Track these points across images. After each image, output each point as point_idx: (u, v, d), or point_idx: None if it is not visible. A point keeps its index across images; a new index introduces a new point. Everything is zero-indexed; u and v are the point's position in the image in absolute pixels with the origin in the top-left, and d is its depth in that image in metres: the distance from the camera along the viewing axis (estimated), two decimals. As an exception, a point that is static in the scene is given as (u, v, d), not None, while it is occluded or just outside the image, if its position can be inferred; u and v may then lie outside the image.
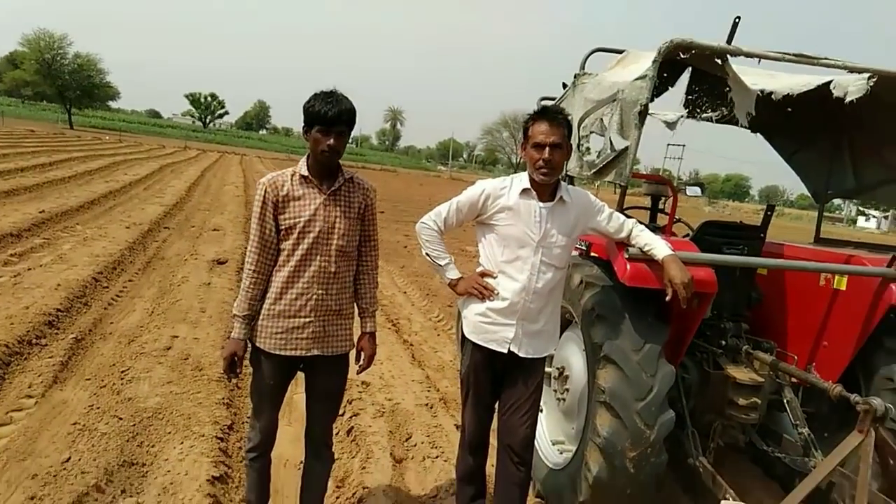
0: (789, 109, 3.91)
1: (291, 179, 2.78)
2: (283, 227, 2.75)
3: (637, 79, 3.26)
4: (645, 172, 4.93)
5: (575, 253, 3.52)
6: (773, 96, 3.29)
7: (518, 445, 3.02)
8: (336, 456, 3.48)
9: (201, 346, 5.47)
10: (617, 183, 3.39)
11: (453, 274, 3.09)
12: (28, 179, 15.01)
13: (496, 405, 3.15)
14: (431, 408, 4.86)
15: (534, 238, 2.87)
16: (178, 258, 9.19)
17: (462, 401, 3.22)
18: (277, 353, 2.80)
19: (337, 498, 3.63)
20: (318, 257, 2.76)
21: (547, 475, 3.59)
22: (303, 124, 2.71)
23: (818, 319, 3.57)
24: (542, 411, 3.58)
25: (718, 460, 3.57)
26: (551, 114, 2.87)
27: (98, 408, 4.16)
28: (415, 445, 4.22)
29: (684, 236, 3.85)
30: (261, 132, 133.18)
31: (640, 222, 3.20)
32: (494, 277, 2.96)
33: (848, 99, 3.14)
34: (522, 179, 2.93)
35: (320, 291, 2.79)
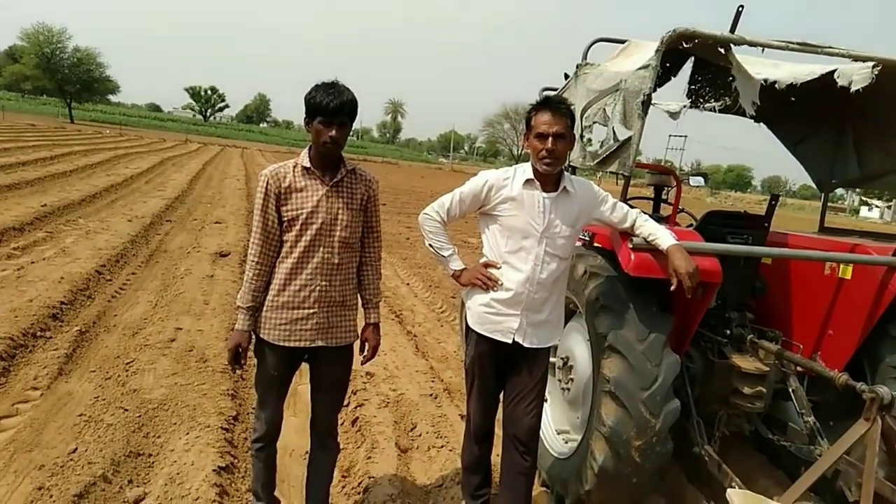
0: (793, 99, 3.89)
1: (293, 171, 2.77)
2: (285, 218, 2.75)
3: (640, 68, 3.25)
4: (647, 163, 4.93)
5: (578, 243, 3.52)
6: (776, 86, 3.27)
7: (523, 435, 3.03)
8: (341, 446, 3.49)
9: (205, 337, 5.48)
10: (620, 173, 3.38)
11: (457, 265, 3.09)
12: (30, 173, 15.02)
13: (501, 395, 3.16)
14: (436, 398, 4.88)
15: (537, 228, 2.87)
16: (181, 251, 9.21)
17: (467, 391, 3.22)
18: (282, 344, 2.81)
19: (343, 487, 3.64)
20: (322, 249, 2.76)
21: (552, 464, 3.60)
22: (304, 116, 2.71)
23: (823, 308, 3.57)
24: (546, 401, 3.58)
25: (724, 449, 3.57)
26: (554, 103, 2.86)
27: (104, 399, 4.17)
28: (420, 435, 4.24)
29: (688, 226, 3.85)
30: (261, 125, 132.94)
31: (644, 212, 3.19)
32: (498, 268, 2.96)
33: (853, 88, 3.13)
34: (526, 170, 2.92)
35: (324, 283, 2.79)
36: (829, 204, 4.97)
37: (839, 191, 4.81)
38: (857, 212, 78.53)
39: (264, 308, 2.81)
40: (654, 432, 3.01)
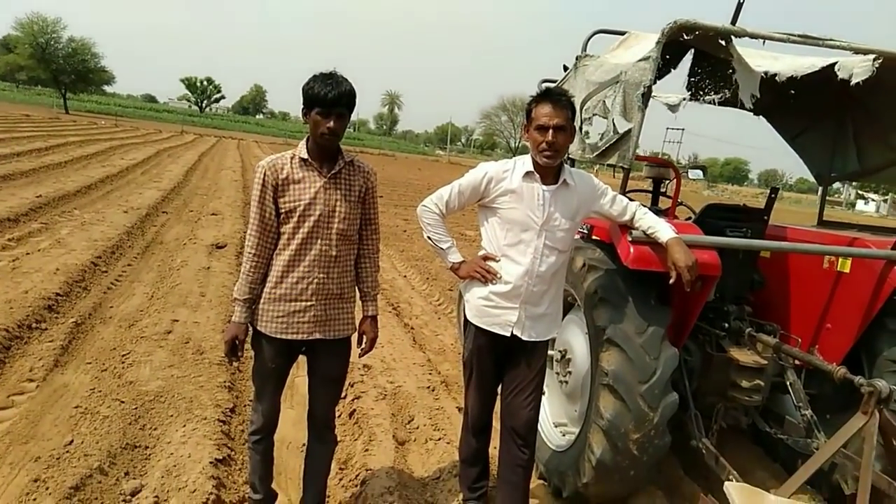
0: (793, 92, 3.88)
1: (291, 162, 2.75)
2: (283, 210, 2.73)
3: (640, 60, 3.24)
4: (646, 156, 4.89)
5: (577, 236, 3.51)
6: (777, 78, 3.26)
7: (521, 428, 3.03)
8: (339, 438, 3.48)
9: (202, 329, 5.46)
10: (619, 166, 3.36)
11: (455, 257, 3.07)
12: (24, 164, 14.94)
13: (499, 388, 3.15)
14: (433, 390, 4.87)
15: (537, 221, 2.86)
16: (177, 242, 9.17)
17: (465, 384, 3.22)
18: (279, 336, 2.79)
19: (340, 480, 3.64)
20: (319, 241, 2.75)
21: (550, 457, 3.60)
22: (302, 106, 2.68)
23: (821, 302, 3.57)
24: (544, 394, 3.58)
25: (721, 442, 3.57)
26: (555, 95, 2.84)
27: (100, 391, 4.16)
28: (417, 428, 4.23)
29: (687, 219, 3.84)
30: (258, 116, 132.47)
31: (643, 205, 3.18)
32: (497, 261, 2.94)
33: (853, 81, 3.12)
34: (525, 162, 2.91)
35: (321, 275, 2.77)
36: (826, 197, 4.96)
37: (836, 184, 4.80)
38: (853, 205, 78.71)
39: (261, 300, 2.80)
40: (652, 425, 3.02)
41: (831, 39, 3.17)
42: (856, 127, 4.19)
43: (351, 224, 2.82)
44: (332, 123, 2.63)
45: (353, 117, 2.94)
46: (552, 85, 4.13)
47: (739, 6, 3.29)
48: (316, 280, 2.77)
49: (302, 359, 3.01)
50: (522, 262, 2.88)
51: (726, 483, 2.62)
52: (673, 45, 3.61)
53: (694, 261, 2.84)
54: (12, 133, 24.35)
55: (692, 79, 4.39)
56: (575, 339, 3.57)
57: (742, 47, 3.19)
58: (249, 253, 2.76)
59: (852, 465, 3.05)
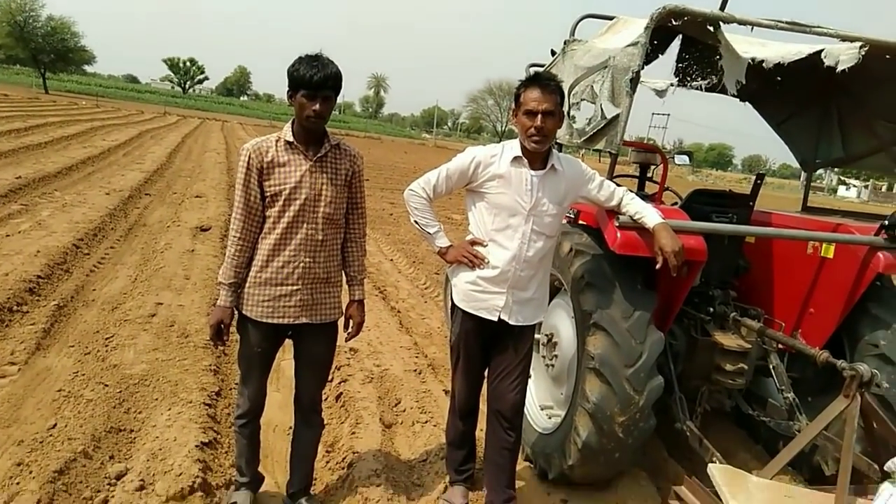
0: (779, 78, 3.89)
1: (276, 145, 2.72)
2: (268, 193, 2.71)
3: (629, 45, 3.23)
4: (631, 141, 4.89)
5: (564, 221, 3.52)
6: (763, 65, 3.27)
7: (508, 411, 3.04)
8: (325, 421, 3.48)
9: (186, 312, 5.43)
10: (607, 151, 3.36)
11: (443, 242, 3.06)
12: (3, 144, 14.68)
13: (486, 372, 3.16)
14: (420, 373, 4.88)
15: (525, 207, 2.85)
16: (161, 225, 9.08)
17: (452, 367, 3.23)
18: (265, 320, 2.78)
19: (327, 462, 3.64)
20: (305, 225, 2.73)
21: (536, 439, 3.63)
22: (287, 89, 2.65)
23: (805, 287, 3.61)
24: (531, 377, 3.60)
25: (705, 424, 3.63)
26: (544, 80, 2.83)
27: (83, 375, 4.12)
28: (404, 411, 4.24)
29: (673, 204, 3.85)
30: (242, 98, 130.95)
31: (630, 191, 3.19)
32: (484, 246, 2.94)
33: (839, 68, 3.14)
34: (514, 147, 2.90)
35: (307, 259, 2.76)
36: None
37: (818, 170, 4.84)
38: (835, 191, 79.43)
39: (247, 284, 2.78)
40: (637, 408, 3.05)
41: (818, 26, 3.18)
42: (841, 114, 4.21)
43: (337, 208, 2.81)
44: (317, 106, 2.60)
45: (339, 100, 2.91)
46: (541, 69, 4.11)
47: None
48: (302, 264, 2.75)
49: (288, 342, 3.00)
50: (510, 246, 2.88)
51: (710, 465, 2.66)
52: (661, 31, 3.61)
53: (680, 246, 2.85)
54: (-10, 113, 23.93)
55: (680, 64, 4.38)
56: (561, 323, 3.59)
57: (730, 34, 3.19)
58: (234, 237, 2.73)
59: (833, 447, 3.11)
